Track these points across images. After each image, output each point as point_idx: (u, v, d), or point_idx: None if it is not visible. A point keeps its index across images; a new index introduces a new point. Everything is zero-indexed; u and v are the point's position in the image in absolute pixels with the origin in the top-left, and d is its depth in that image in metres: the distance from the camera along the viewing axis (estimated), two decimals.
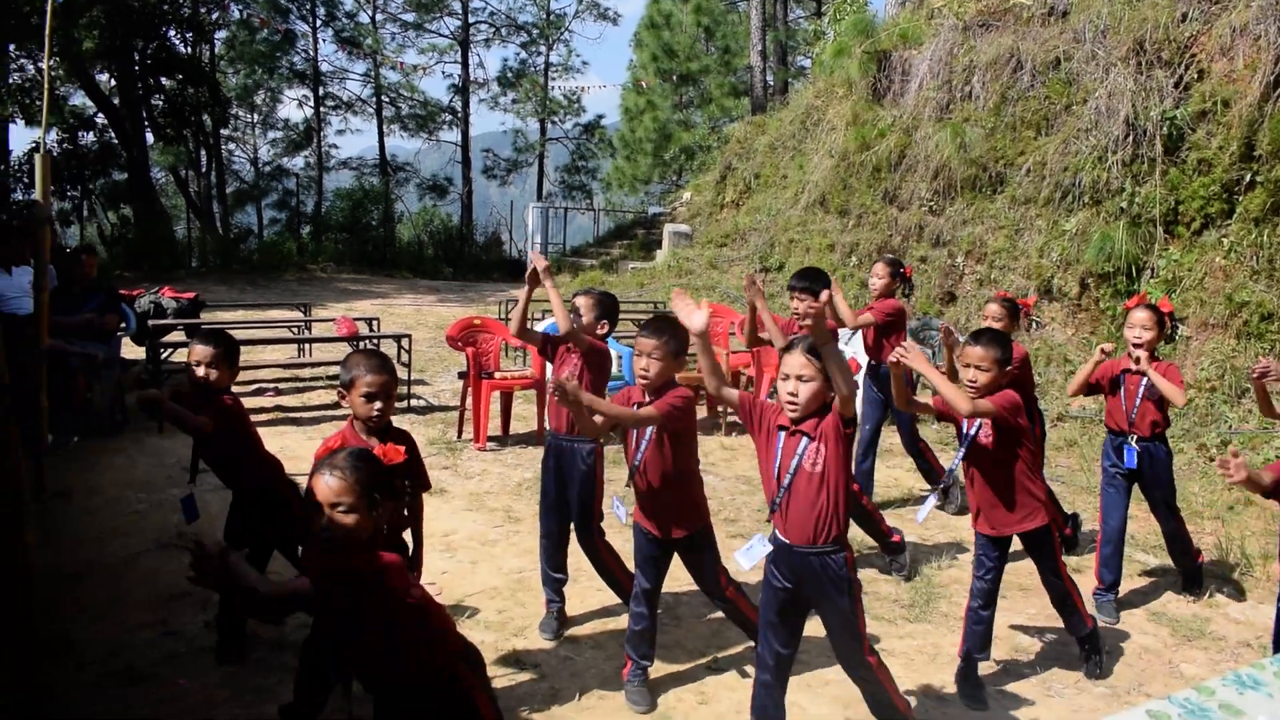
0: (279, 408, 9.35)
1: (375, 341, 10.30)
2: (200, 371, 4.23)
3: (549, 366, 5.01)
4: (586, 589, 5.18)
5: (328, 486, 2.70)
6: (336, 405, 8.87)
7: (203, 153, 29.05)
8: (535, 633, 4.79)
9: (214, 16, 25.72)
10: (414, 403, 9.66)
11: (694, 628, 4.91)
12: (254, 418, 5.11)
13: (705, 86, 32.79)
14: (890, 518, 6.51)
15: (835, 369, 3.30)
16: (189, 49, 25.24)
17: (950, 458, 6.63)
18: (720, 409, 9.37)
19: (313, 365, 10.54)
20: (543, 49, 33.65)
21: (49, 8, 6.48)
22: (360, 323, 11.01)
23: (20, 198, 21.10)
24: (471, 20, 32.45)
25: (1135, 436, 5.23)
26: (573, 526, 4.80)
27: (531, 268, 4.66)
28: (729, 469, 7.98)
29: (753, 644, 4.42)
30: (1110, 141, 10.10)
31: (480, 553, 5.88)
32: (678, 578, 4.51)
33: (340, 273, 22.53)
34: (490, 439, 8.38)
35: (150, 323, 9.32)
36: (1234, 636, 5.11)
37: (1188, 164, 9.53)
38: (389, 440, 3.45)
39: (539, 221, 25.49)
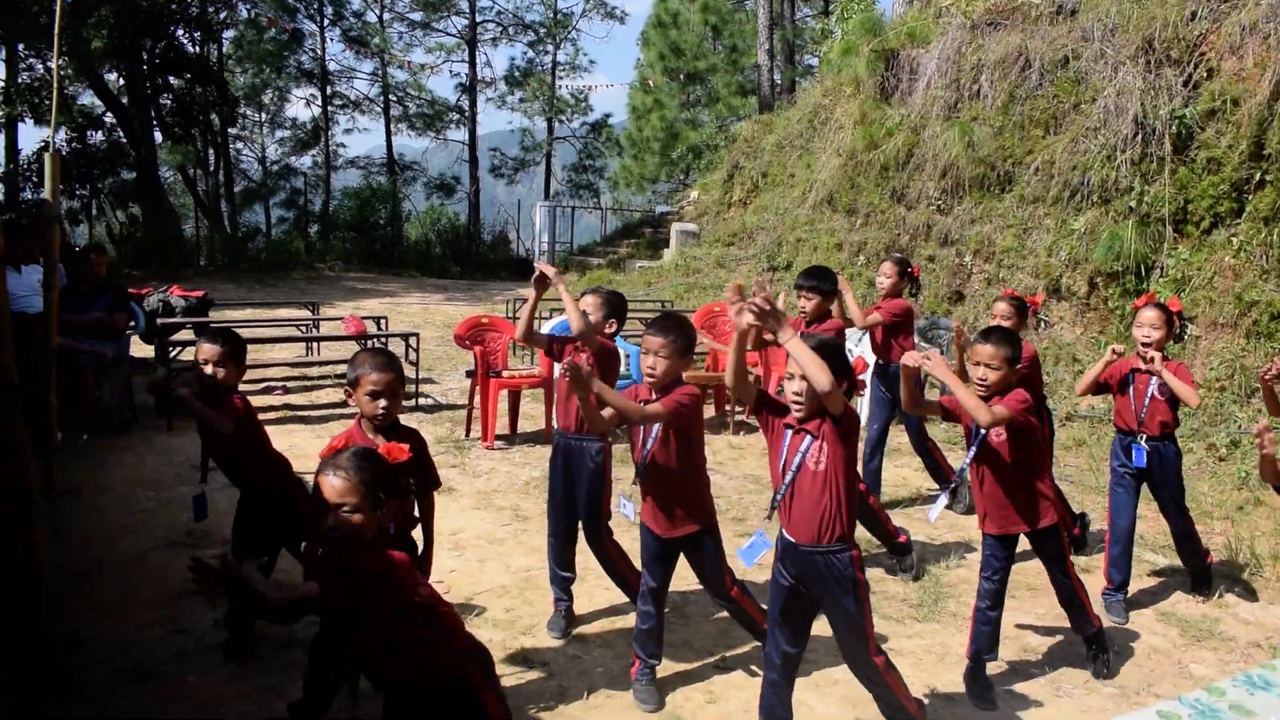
0: (287, 406, 9.36)
1: (383, 340, 10.31)
2: (208, 370, 4.25)
3: (557, 367, 5.01)
4: (595, 587, 5.18)
5: (332, 487, 2.70)
6: (344, 404, 8.88)
7: (211, 152, 29.11)
8: (543, 631, 4.79)
9: (222, 16, 25.75)
10: (422, 401, 9.67)
11: (702, 627, 4.91)
12: (262, 416, 5.12)
13: (713, 85, 32.76)
14: (899, 517, 6.51)
15: (805, 365, 3.28)
16: (197, 48, 25.27)
17: (958, 456, 6.62)
18: (729, 408, 9.37)
19: (321, 364, 10.55)
20: (550, 48, 33.70)
21: (58, 7, 6.50)
22: (368, 321, 11.02)
23: (29, 196, 21.16)
24: (479, 19, 32.49)
25: (1145, 436, 5.21)
26: (581, 525, 4.80)
27: (538, 273, 4.66)
28: (737, 468, 7.97)
29: (760, 643, 4.43)
30: (1119, 140, 10.08)
31: (488, 551, 5.89)
32: (686, 577, 4.51)
33: (348, 271, 22.55)
34: (498, 438, 8.39)
35: (159, 321, 9.34)
36: (1244, 637, 5.09)
37: (1197, 163, 9.51)
38: (395, 438, 3.46)
39: (546, 220, 25.50)
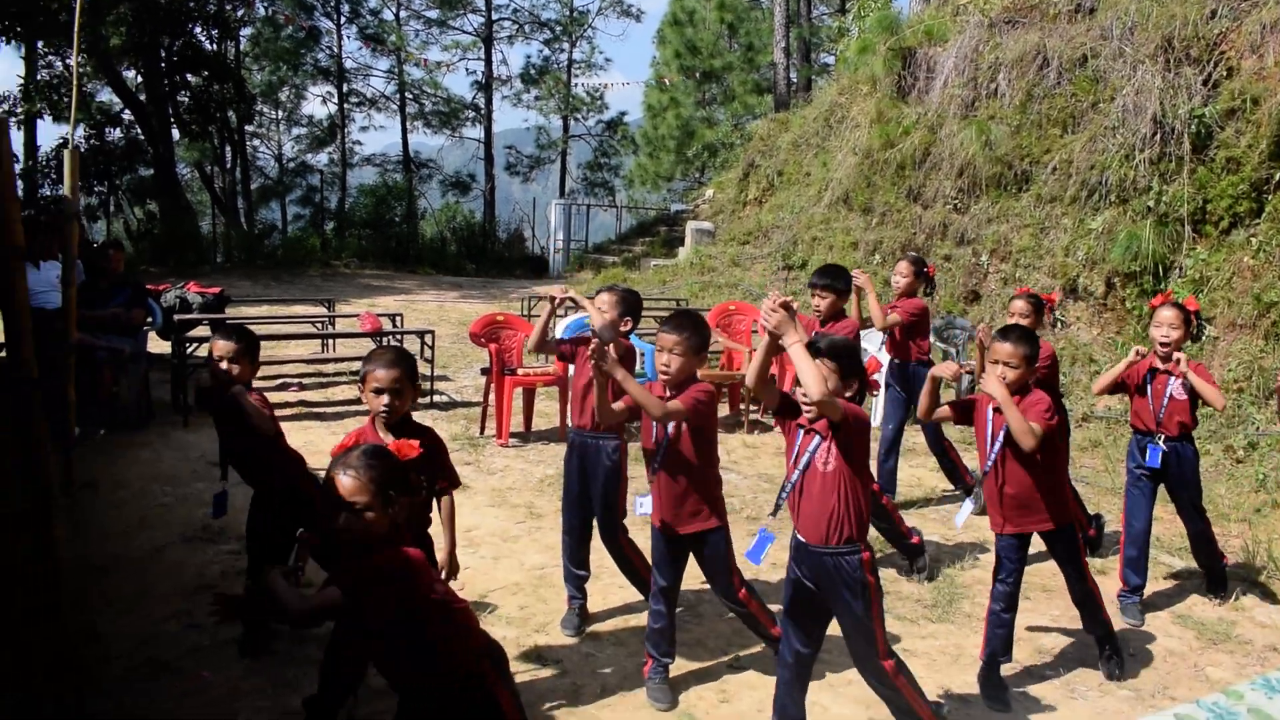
0: (303, 403, 9.40)
1: (399, 337, 10.33)
2: (223, 366, 4.26)
3: (570, 368, 5.00)
4: (608, 586, 5.19)
5: (343, 485, 2.71)
6: (359, 401, 8.90)
7: (228, 149, 29.22)
8: (557, 629, 4.80)
9: (239, 14, 25.81)
10: (437, 399, 9.69)
11: (716, 626, 4.91)
12: (277, 413, 5.13)
13: (728, 83, 32.71)
14: (914, 517, 6.51)
15: (802, 372, 3.28)
16: (215, 46, 25.34)
17: (974, 456, 6.59)
18: (743, 406, 9.36)
19: (336, 361, 10.59)
20: (566, 46, 33.72)
21: (77, 5, 6.54)
22: (384, 319, 11.04)
23: (48, 193, 21.29)
24: (495, 17, 32.53)
25: (1163, 436, 5.18)
26: (596, 523, 4.80)
27: (562, 295, 4.69)
28: (751, 467, 7.96)
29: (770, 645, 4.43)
30: (1137, 139, 10.03)
31: (502, 549, 5.90)
32: (699, 576, 4.51)
33: (363, 269, 22.60)
34: (513, 435, 8.40)
35: (176, 317, 9.38)
36: (1260, 640, 5.06)
37: (1216, 162, 9.45)
38: (406, 436, 3.48)
39: (561, 218, 25.51)
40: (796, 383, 3.51)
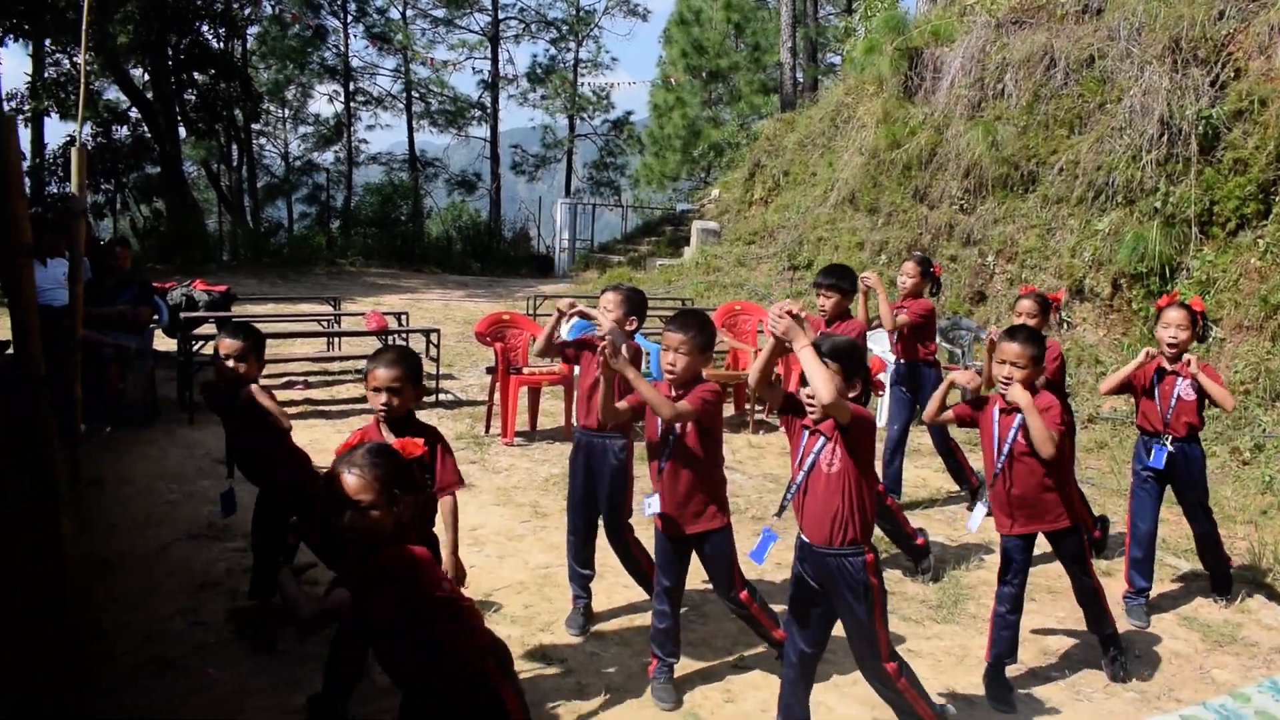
0: (308, 401, 9.41)
1: (404, 336, 10.34)
2: (229, 364, 4.27)
3: (576, 368, 5.00)
4: (613, 585, 5.19)
5: (347, 484, 2.70)
6: (364, 399, 8.90)
7: (234, 147, 29.26)
8: (562, 628, 4.80)
9: (246, 12, 25.86)
10: (442, 397, 9.70)
11: (721, 625, 4.90)
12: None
13: (735, 83, 32.72)
14: (919, 518, 6.50)
15: (812, 377, 3.28)
16: (221, 44, 25.40)
17: (978, 457, 6.58)
18: (749, 406, 9.36)
19: (342, 359, 10.59)
20: (572, 45, 33.72)
21: (85, 3, 6.54)
22: (389, 317, 11.06)
23: (55, 191, 21.34)
24: (501, 16, 32.52)
25: (1170, 437, 5.16)
26: (602, 522, 4.79)
27: (570, 311, 4.68)
28: (756, 467, 7.96)
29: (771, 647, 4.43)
30: (1145, 140, 10.00)
31: (507, 548, 5.90)
32: (704, 576, 4.50)
33: (369, 267, 22.63)
34: (518, 434, 8.40)
35: (182, 315, 9.40)
36: (1266, 642, 5.04)
37: (1223, 163, 9.43)
38: (409, 435, 3.48)
39: (567, 217, 25.52)
40: (802, 382, 3.51)
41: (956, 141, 12.49)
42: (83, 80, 6.46)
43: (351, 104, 31.71)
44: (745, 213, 18.69)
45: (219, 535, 5.82)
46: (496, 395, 8.51)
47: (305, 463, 4.52)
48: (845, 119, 16.42)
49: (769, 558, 3.97)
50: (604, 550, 4.84)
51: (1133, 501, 5.35)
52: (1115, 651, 4.57)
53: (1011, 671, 4.39)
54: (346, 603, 2.60)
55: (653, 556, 4.60)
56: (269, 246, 23.36)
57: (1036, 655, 4.77)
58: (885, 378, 6.62)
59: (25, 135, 22.14)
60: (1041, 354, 4.24)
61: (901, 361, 6.78)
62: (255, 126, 29.97)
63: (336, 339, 11.22)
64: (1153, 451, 5.20)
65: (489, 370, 8.73)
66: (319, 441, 7.54)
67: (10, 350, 3.78)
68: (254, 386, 4.28)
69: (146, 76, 23.81)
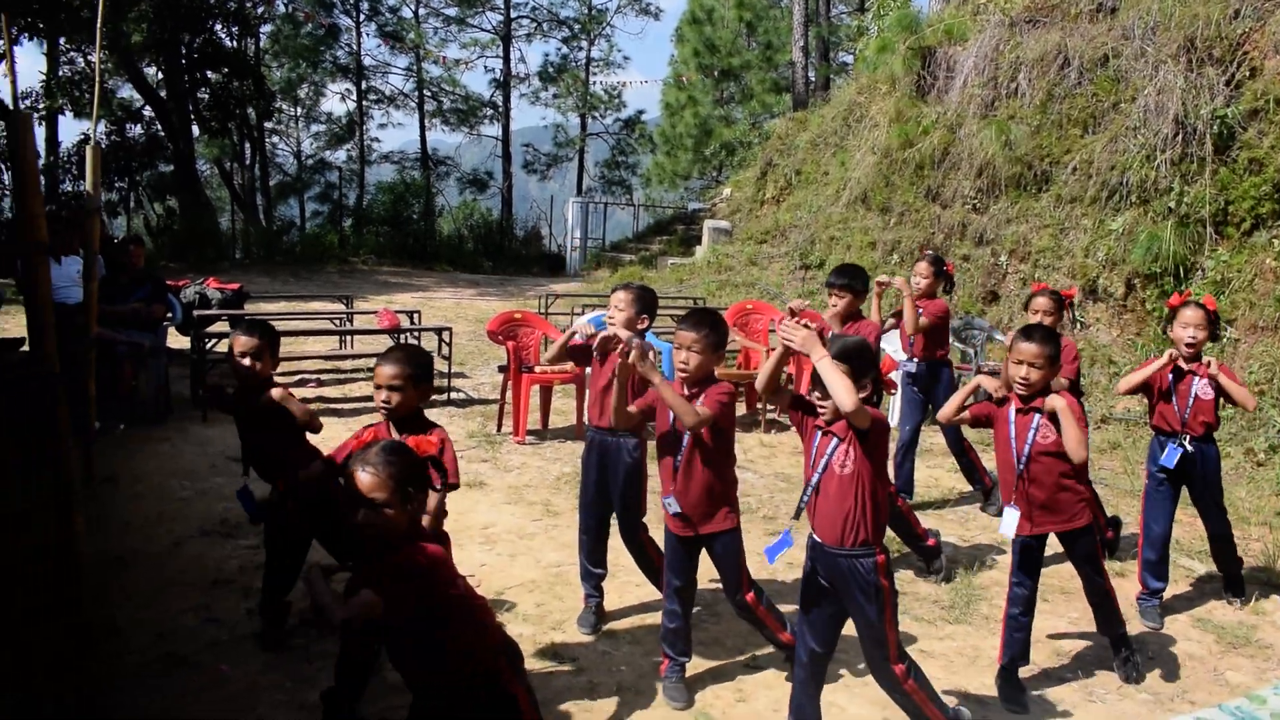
0: (320, 399, 9.43)
1: (416, 334, 10.36)
2: (245, 362, 4.28)
3: (587, 368, 4.98)
4: (625, 584, 5.19)
5: (361, 481, 2.71)
6: None
7: (247, 145, 29.34)
8: (573, 627, 4.80)
9: (259, 11, 25.93)
10: (454, 396, 9.71)
11: (733, 625, 4.89)
12: None
13: (747, 82, 32.67)
14: (931, 518, 6.49)
15: (831, 386, 3.29)
16: (235, 43, 25.48)
17: (992, 457, 6.56)
18: (760, 405, 9.35)
19: (354, 357, 10.62)
20: (584, 44, 33.69)
21: (100, 2, 6.56)
22: (401, 316, 11.08)
23: (69, 189, 21.43)
24: (513, 15, 32.54)
25: (1188, 436, 5.13)
26: (616, 521, 4.79)
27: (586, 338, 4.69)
28: (768, 466, 7.95)
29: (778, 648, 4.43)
30: (1159, 140, 9.96)
31: (519, 546, 5.90)
32: (717, 575, 4.50)
33: (381, 265, 22.68)
34: (529, 433, 8.41)
35: (195, 313, 9.43)
36: None
37: (1238, 163, 9.38)
38: (412, 432, 3.49)
39: (578, 216, 25.54)
40: (812, 384, 3.51)
41: (969, 141, 12.46)
42: (97, 79, 6.49)
43: (364, 102, 31.76)
44: (757, 212, 18.67)
45: (231, 533, 5.84)
46: (508, 394, 8.51)
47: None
48: (858, 118, 16.40)
49: (781, 558, 3.96)
50: (616, 549, 4.84)
51: (1147, 503, 5.32)
52: (1127, 652, 4.54)
53: (1024, 672, 4.37)
54: (376, 603, 2.59)
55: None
56: (281, 245, 23.43)
57: (1049, 656, 4.75)
58: (896, 377, 6.62)
59: (40, 133, 22.27)
60: (1058, 353, 4.22)
61: (915, 361, 6.75)
62: (268, 125, 30.04)
63: (349, 337, 11.25)
64: (1166, 450, 5.16)
65: (501, 369, 8.74)
66: (331, 440, 7.53)
67: (25, 347, 3.79)
68: (277, 391, 4.29)
69: (160, 75, 23.90)
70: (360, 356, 10.49)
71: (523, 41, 33.47)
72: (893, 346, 7.85)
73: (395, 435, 3.60)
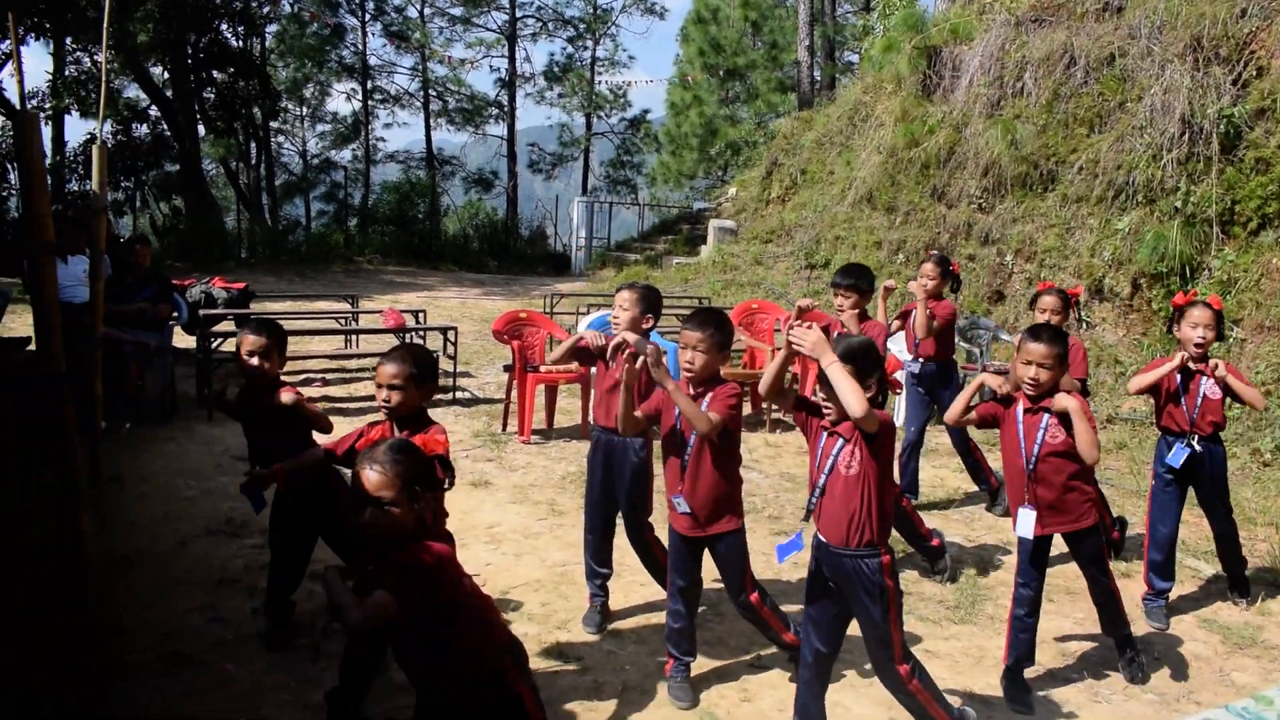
0: (326, 398, 9.44)
1: (422, 334, 10.36)
2: (254, 361, 4.28)
3: (593, 370, 4.98)
4: (630, 583, 5.19)
5: (369, 480, 2.71)
6: None
7: (253, 145, 29.35)
8: (578, 626, 4.80)
9: (265, 10, 25.97)
10: (459, 395, 9.72)
11: (738, 625, 4.88)
12: None
13: (752, 82, 32.65)
14: (937, 519, 6.49)
15: (842, 392, 3.29)
16: (240, 42, 25.51)
17: (997, 458, 6.56)
18: (765, 405, 9.34)
19: (359, 356, 10.63)
20: (589, 43, 33.71)
21: (106, 2, 6.58)
22: (407, 315, 11.08)
23: (75, 188, 21.47)
24: (519, 14, 32.54)
25: (1196, 436, 5.12)
26: (623, 520, 4.78)
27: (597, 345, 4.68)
28: (773, 466, 7.95)
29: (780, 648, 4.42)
30: (1165, 139, 9.94)
31: (524, 545, 5.90)
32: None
33: (386, 265, 22.70)
34: (535, 432, 8.41)
35: (201, 312, 9.44)
36: None
37: (1245, 163, 9.36)
38: (411, 430, 3.49)
39: (584, 216, 25.53)
40: (818, 385, 3.50)
41: (975, 140, 12.44)
42: (103, 78, 6.49)
43: (369, 102, 31.80)
44: (762, 211, 18.66)
45: (237, 532, 5.85)
46: (514, 393, 8.51)
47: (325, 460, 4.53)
48: (863, 117, 16.37)
49: (788, 558, 3.96)
50: (621, 548, 4.84)
51: (1153, 503, 5.29)
52: (1132, 653, 4.54)
53: (1030, 673, 4.37)
54: (390, 604, 2.59)
55: None
56: (287, 244, 23.45)
57: (1055, 657, 4.74)
58: (900, 377, 6.61)
59: (46, 133, 22.30)
60: (1065, 353, 4.21)
61: (920, 361, 6.74)
62: (274, 124, 30.09)
63: (354, 336, 11.26)
64: (1174, 449, 5.15)
65: (506, 368, 8.74)
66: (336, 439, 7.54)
67: (32, 347, 3.80)
68: (288, 395, 4.29)
69: (166, 75, 23.95)
70: (365, 356, 10.49)
71: (528, 41, 33.52)
72: (898, 346, 7.85)
73: (395, 435, 3.60)
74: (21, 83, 5.94)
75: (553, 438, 8.47)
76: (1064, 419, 4.12)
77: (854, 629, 3.66)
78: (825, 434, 3.57)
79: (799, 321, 3.52)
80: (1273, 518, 6.84)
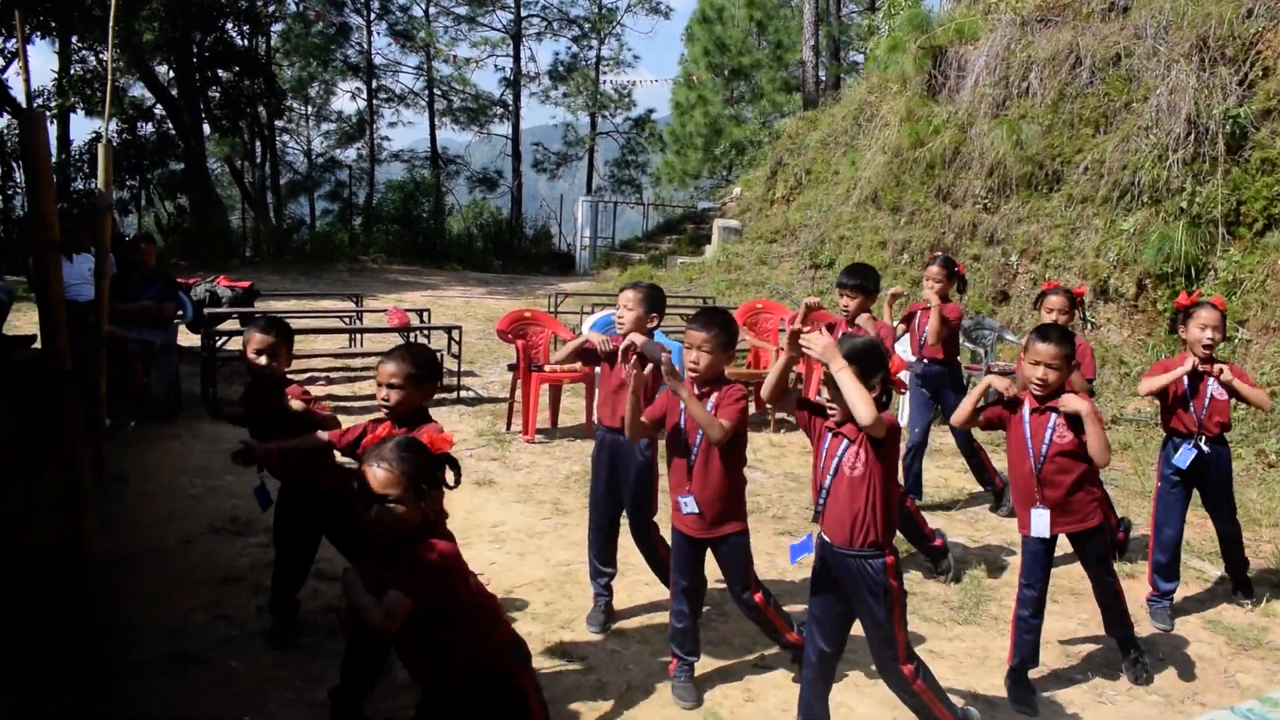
0: (330, 397, 9.44)
1: (426, 333, 10.36)
2: (262, 360, 4.27)
3: (598, 369, 4.96)
4: (634, 583, 5.19)
5: (375, 477, 2.71)
6: None
7: (257, 144, 29.38)
8: (582, 625, 4.79)
9: (270, 9, 26.01)
10: (463, 394, 9.72)
11: (741, 625, 4.87)
12: None
13: (757, 81, 32.63)
14: (941, 519, 6.48)
15: (851, 399, 3.28)
16: (245, 41, 25.55)
17: (1001, 458, 6.55)
18: (769, 405, 9.33)
19: (364, 355, 10.63)
20: (594, 43, 33.68)
21: (112, 1, 6.58)
22: (411, 314, 11.08)
23: (81, 187, 21.51)
24: (524, 14, 32.54)
25: (1203, 438, 5.10)
26: (628, 520, 4.78)
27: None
28: (777, 466, 7.94)
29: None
30: (1171, 140, 9.93)
31: (528, 545, 5.90)
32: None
33: (390, 264, 22.71)
34: (539, 431, 8.41)
35: (206, 311, 9.45)
36: None
37: (1251, 163, 9.35)
38: (409, 428, 3.49)
39: (588, 215, 25.53)
40: (823, 385, 3.50)
41: (980, 140, 12.43)
42: (109, 77, 6.51)
43: (374, 101, 31.81)
44: (767, 211, 18.65)
45: (242, 530, 5.86)
46: (518, 392, 8.52)
47: (329, 459, 4.53)
48: (868, 117, 16.36)
49: (788, 558, 3.95)
50: (626, 548, 4.84)
51: (1159, 505, 5.28)
52: (1136, 654, 4.53)
53: (1034, 673, 4.36)
54: (408, 604, 2.59)
55: None
56: (292, 243, 23.47)
57: (1059, 657, 4.74)
58: (904, 377, 6.60)
59: (52, 131, 22.27)
60: (1073, 353, 4.21)
61: (924, 362, 6.73)
62: (278, 123, 30.12)
63: (358, 335, 11.26)
64: (1180, 450, 5.13)
65: (510, 367, 8.74)
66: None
67: (37, 345, 3.81)
68: (297, 404, 4.28)
69: (171, 73, 24.00)
70: (370, 355, 10.49)
71: (533, 40, 33.54)
72: (902, 347, 7.84)
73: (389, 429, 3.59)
74: (27, 81, 5.95)
75: (557, 437, 8.48)
76: (1072, 420, 4.11)
77: (858, 629, 3.65)
78: (830, 435, 3.56)
79: (807, 326, 3.51)
80: (1278, 519, 6.83)
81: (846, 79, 25.83)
